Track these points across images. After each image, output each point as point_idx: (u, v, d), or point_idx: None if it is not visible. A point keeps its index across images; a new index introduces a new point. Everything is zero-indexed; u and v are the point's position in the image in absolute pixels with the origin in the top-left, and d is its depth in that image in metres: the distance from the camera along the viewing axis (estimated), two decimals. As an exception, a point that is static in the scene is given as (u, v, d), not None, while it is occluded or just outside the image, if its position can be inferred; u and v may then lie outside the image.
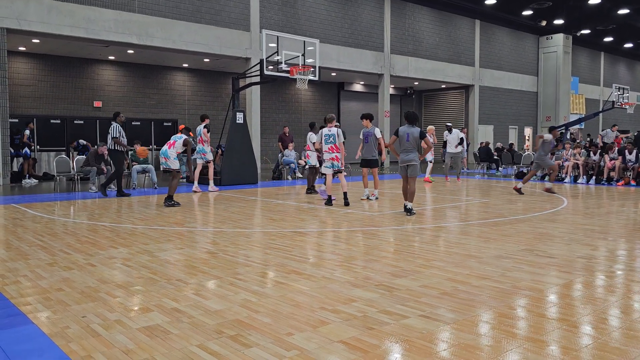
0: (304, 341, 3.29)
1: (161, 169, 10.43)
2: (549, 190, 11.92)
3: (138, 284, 4.63)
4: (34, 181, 15.09)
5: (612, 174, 14.93)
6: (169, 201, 9.92)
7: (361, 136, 10.71)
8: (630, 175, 14.76)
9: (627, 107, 24.58)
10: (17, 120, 16.04)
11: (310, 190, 12.07)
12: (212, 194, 12.31)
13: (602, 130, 22.34)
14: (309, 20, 20.74)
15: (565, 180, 15.66)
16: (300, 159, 17.47)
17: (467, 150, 22.21)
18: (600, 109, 31.45)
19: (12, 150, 15.12)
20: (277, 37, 14.14)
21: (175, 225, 7.85)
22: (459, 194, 12.29)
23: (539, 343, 3.26)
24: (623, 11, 26.44)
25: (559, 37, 30.70)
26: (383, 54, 23.36)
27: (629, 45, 35.53)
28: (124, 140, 11.63)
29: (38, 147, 17.08)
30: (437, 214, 9.16)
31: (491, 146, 21.99)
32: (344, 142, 10.14)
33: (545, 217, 8.49)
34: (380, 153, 10.86)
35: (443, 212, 9.37)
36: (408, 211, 8.72)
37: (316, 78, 14.73)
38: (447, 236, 6.96)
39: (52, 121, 17.57)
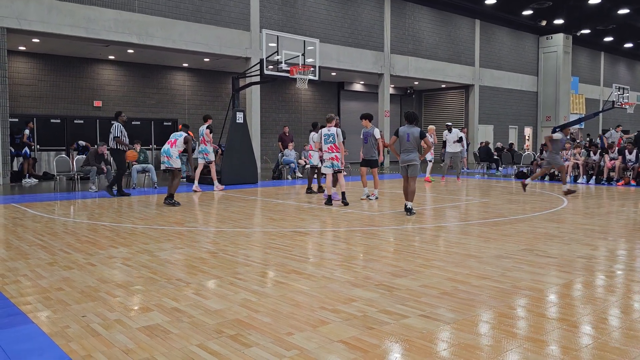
0: (304, 341, 3.29)
1: (162, 168, 10.37)
2: (568, 192, 11.64)
3: (138, 283, 4.63)
4: (34, 181, 15.09)
5: (612, 174, 14.93)
6: (170, 200, 9.93)
7: (361, 136, 10.72)
8: (630, 175, 14.76)
9: (627, 107, 24.58)
10: (17, 120, 16.04)
11: (310, 190, 12.07)
12: (218, 193, 12.32)
13: (607, 132, 22.31)
14: (309, 20, 20.74)
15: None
16: (301, 158, 17.47)
17: (467, 150, 22.21)
18: (600, 109, 31.45)
19: (13, 150, 15.12)
20: (277, 36, 14.14)
21: (175, 224, 7.85)
22: (459, 194, 12.29)
23: (539, 343, 3.26)
24: (623, 11, 26.44)
25: (559, 37, 30.70)
26: (383, 53, 23.36)
27: (629, 45, 35.53)
28: (126, 140, 11.62)
29: (38, 146, 17.08)
30: (437, 214, 9.16)
31: (491, 146, 21.99)
32: (343, 141, 10.14)
33: (545, 217, 8.49)
34: (379, 153, 10.85)
35: (443, 212, 9.37)
36: (408, 211, 8.72)
37: (316, 78, 14.73)
38: (447, 236, 6.96)
39: (52, 121, 17.57)
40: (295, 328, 3.51)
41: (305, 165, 17.21)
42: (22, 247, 6.23)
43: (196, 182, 12.70)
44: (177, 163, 10.14)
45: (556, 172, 13.88)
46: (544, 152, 17.53)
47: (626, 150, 14.98)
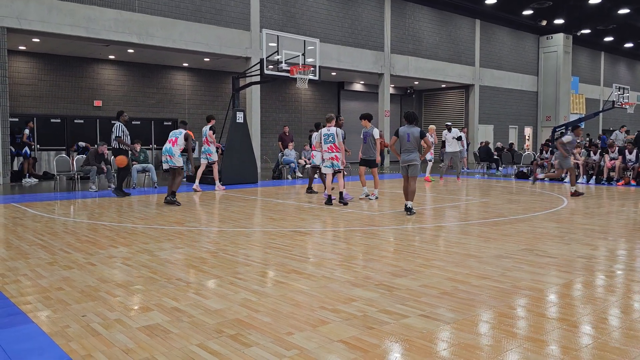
0: (304, 340, 3.29)
1: (165, 167, 10.32)
2: (576, 194, 11.48)
3: (138, 283, 4.63)
4: (34, 180, 15.09)
5: (612, 173, 14.93)
6: (172, 197, 9.97)
7: (361, 136, 10.74)
8: (630, 175, 14.77)
9: (627, 107, 24.56)
10: (17, 120, 16.04)
11: (311, 189, 12.08)
12: (219, 192, 12.32)
13: (612, 134, 22.25)
14: (309, 20, 20.74)
15: (565, 180, 15.65)
16: (301, 158, 17.47)
17: (467, 150, 22.20)
18: (601, 109, 31.45)
19: (13, 149, 15.13)
20: (277, 36, 14.14)
21: (176, 224, 7.86)
22: (459, 194, 12.29)
23: (539, 343, 3.26)
24: (623, 11, 26.43)
25: (559, 37, 30.70)
26: (383, 53, 23.36)
27: (629, 45, 35.52)
28: (128, 140, 11.61)
29: (38, 146, 17.08)
30: (437, 214, 9.16)
31: (491, 146, 21.99)
32: (343, 141, 10.15)
33: (545, 217, 8.49)
34: (381, 153, 10.87)
35: (443, 212, 9.37)
36: (408, 210, 8.73)
37: (316, 77, 14.74)
38: (447, 236, 6.96)
39: (52, 120, 17.57)
40: (295, 328, 3.51)
41: (305, 164, 17.23)
42: (22, 246, 6.23)
43: (197, 181, 12.71)
44: (179, 162, 10.19)
45: (561, 175, 13.80)
46: (544, 152, 17.56)
47: (626, 150, 14.98)
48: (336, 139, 9.94)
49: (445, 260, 5.47)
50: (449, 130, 16.19)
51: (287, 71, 13.89)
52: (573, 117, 29.94)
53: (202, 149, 12.82)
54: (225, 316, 3.74)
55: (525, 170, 17.38)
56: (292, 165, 17.02)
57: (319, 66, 14.72)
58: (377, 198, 10.78)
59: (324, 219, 8.47)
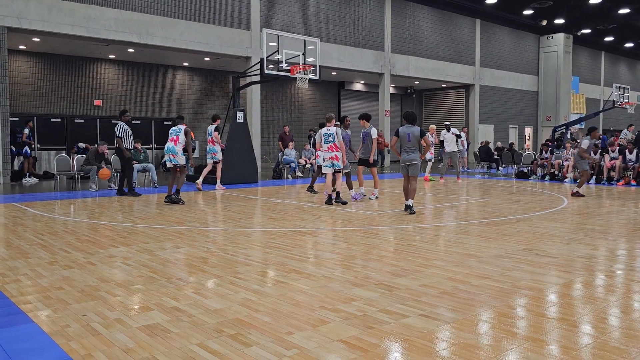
0: (304, 340, 3.29)
1: (168, 165, 10.45)
2: (577, 194, 11.41)
3: (138, 282, 4.64)
4: (34, 180, 15.09)
5: (612, 173, 14.92)
6: (177, 195, 10.05)
7: (361, 136, 10.77)
8: (630, 175, 14.76)
9: (627, 106, 24.54)
10: (17, 119, 16.04)
11: (311, 188, 12.09)
12: (219, 192, 12.33)
13: (621, 133, 22.20)
14: (310, 19, 20.73)
15: (565, 180, 15.65)
16: (301, 157, 17.48)
17: (467, 150, 22.20)
18: (601, 109, 31.44)
19: (14, 149, 15.13)
20: (278, 36, 14.14)
21: (176, 224, 7.86)
22: (459, 194, 12.29)
23: (539, 342, 3.26)
24: (624, 11, 26.42)
25: (560, 37, 30.69)
26: (383, 53, 23.35)
27: (629, 44, 35.51)
28: (130, 139, 11.58)
29: (38, 145, 17.08)
30: (437, 213, 9.16)
31: (491, 146, 21.99)
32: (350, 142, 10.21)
33: (545, 217, 8.49)
34: (380, 152, 10.88)
35: (443, 212, 9.37)
36: (409, 208, 8.75)
37: (316, 77, 14.73)
38: (447, 235, 6.96)
39: (52, 120, 17.57)
40: (295, 327, 3.51)
41: (305, 164, 17.24)
42: (22, 246, 6.23)
43: (201, 178, 12.83)
44: (182, 160, 10.28)
45: (563, 172, 13.69)
46: (544, 152, 17.56)
47: (626, 150, 14.98)
48: (336, 139, 9.95)
49: (445, 260, 5.48)
50: (448, 130, 16.19)
51: (288, 71, 13.89)
52: (573, 117, 29.93)
53: (207, 149, 12.90)
54: (226, 316, 3.74)
55: (525, 170, 17.38)
56: (293, 164, 17.03)
57: (319, 66, 14.72)
58: (377, 198, 10.78)
59: (324, 218, 8.48)
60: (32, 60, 18.05)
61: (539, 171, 16.98)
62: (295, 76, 13.91)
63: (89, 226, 7.66)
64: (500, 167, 20.27)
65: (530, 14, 27.82)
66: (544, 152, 17.62)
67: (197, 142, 20.26)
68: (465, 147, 21.61)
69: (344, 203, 9.93)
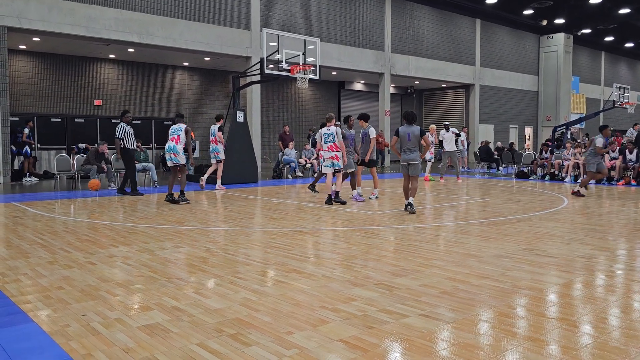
0: (304, 340, 3.29)
1: (169, 164, 10.48)
2: (577, 194, 11.41)
3: (138, 282, 4.64)
4: (34, 179, 15.09)
5: (612, 173, 14.92)
6: (182, 196, 10.12)
7: (360, 136, 10.78)
8: (630, 175, 14.76)
9: (627, 106, 24.54)
10: (17, 119, 16.04)
11: (313, 187, 12.13)
12: (219, 192, 12.34)
13: (627, 131, 22.14)
14: (310, 19, 20.73)
15: (565, 180, 15.65)
16: (301, 157, 17.48)
17: (467, 150, 22.20)
18: (601, 109, 31.43)
19: (14, 149, 15.13)
20: (278, 35, 14.13)
21: (176, 223, 7.86)
22: (459, 193, 12.29)
23: (539, 342, 3.26)
24: (624, 11, 26.41)
25: (560, 37, 30.68)
26: (384, 53, 23.35)
27: (629, 44, 35.50)
28: (132, 139, 11.56)
29: (39, 145, 17.09)
30: (437, 213, 9.16)
31: (491, 145, 21.99)
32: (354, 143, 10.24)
33: (545, 217, 8.49)
34: (380, 152, 10.90)
35: (443, 211, 9.37)
36: (409, 205, 8.76)
37: (317, 77, 14.73)
38: (447, 235, 6.96)
39: (52, 120, 17.57)
40: (295, 327, 3.51)
41: (306, 164, 17.25)
42: (22, 245, 6.23)
43: (206, 176, 12.92)
44: (183, 159, 10.31)
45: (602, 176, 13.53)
46: (544, 152, 17.55)
47: (627, 150, 14.97)
48: (336, 138, 9.95)
49: (445, 259, 5.48)
50: (447, 129, 16.19)
51: (288, 70, 13.89)
52: (573, 117, 29.93)
53: (210, 148, 12.95)
54: (226, 315, 3.75)
55: (525, 170, 17.37)
56: (293, 164, 17.03)
57: (320, 65, 14.72)
58: (377, 198, 10.79)
59: (324, 218, 8.48)
60: (32, 60, 18.05)
61: (539, 171, 16.98)
62: (295, 76, 13.91)
63: (89, 226, 7.66)
64: (500, 167, 20.27)
65: (530, 14, 27.82)
66: (544, 152, 17.62)
67: (197, 142, 20.26)
68: (466, 147, 21.62)
69: (343, 203, 9.94)
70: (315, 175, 12.78)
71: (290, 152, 17.22)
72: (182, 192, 10.22)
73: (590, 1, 25.31)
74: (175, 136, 10.25)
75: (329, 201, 10.01)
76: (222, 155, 12.83)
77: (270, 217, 8.48)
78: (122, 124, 11.51)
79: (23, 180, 14.86)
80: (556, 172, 16.33)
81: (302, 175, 17.19)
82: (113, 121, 17.84)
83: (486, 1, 25.25)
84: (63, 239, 6.66)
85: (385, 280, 4.65)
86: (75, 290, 4.40)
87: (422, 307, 3.92)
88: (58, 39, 15.69)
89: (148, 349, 3.16)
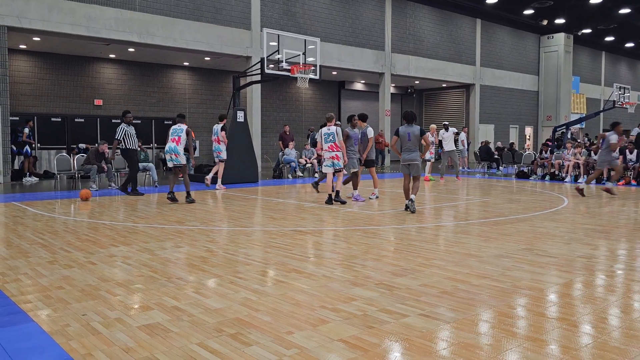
0: (304, 340, 3.29)
1: (170, 165, 10.49)
2: (580, 191, 11.34)
3: (138, 282, 4.64)
4: (34, 179, 15.10)
5: (612, 173, 14.89)
6: (188, 197, 10.20)
7: (359, 136, 10.79)
8: (631, 175, 14.76)
9: (628, 106, 24.54)
10: (17, 119, 16.05)
11: (317, 185, 12.16)
12: (219, 192, 12.35)
13: (632, 130, 22.10)
14: (310, 19, 20.73)
15: (565, 180, 15.65)
16: (301, 157, 17.48)
17: (467, 150, 22.20)
18: (601, 109, 31.42)
19: (14, 148, 15.13)
20: (278, 35, 14.13)
21: (176, 223, 7.86)
22: (459, 193, 12.29)
23: (539, 342, 3.26)
24: (624, 11, 26.41)
25: (560, 37, 30.67)
26: (384, 52, 23.35)
27: (630, 44, 35.49)
28: (132, 140, 11.54)
29: (39, 145, 17.09)
30: (437, 213, 9.17)
31: (491, 145, 21.98)
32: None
33: (545, 217, 8.49)
34: (380, 152, 10.90)
35: (443, 211, 9.37)
36: (411, 201, 8.77)
37: (317, 77, 14.73)
38: (447, 235, 6.96)
39: (52, 119, 17.58)
40: (296, 327, 3.51)
41: (306, 164, 17.25)
42: (22, 245, 6.24)
43: (211, 174, 12.98)
44: (184, 159, 10.34)
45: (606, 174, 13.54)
46: (544, 152, 17.55)
47: (627, 150, 14.97)
48: (336, 138, 9.96)
49: (445, 259, 5.48)
50: (446, 129, 16.19)
51: (288, 70, 13.89)
52: (574, 117, 29.93)
53: (213, 147, 12.99)
54: (226, 315, 3.75)
55: (525, 170, 17.37)
56: (293, 164, 17.03)
57: (320, 65, 14.71)
58: (377, 197, 10.79)
59: (324, 218, 8.48)
60: (32, 59, 18.06)
61: (539, 171, 16.98)
62: (295, 76, 13.91)
63: (89, 225, 7.66)
64: (500, 167, 20.27)
65: (530, 14, 27.81)
66: (544, 152, 17.62)
67: (197, 142, 20.25)
68: (466, 147, 21.62)
69: (343, 202, 9.94)
70: (317, 175, 12.80)
71: (291, 152, 17.22)
72: (188, 193, 10.26)
73: (590, 1, 25.31)
74: (176, 137, 10.26)
75: (329, 201, 10.01)
76: (223, 155, 12.86)
77: (271, 217, 8.48)
78: (123, 125, 11.51)
79: (23, 180, 14.86)
80: (556, 172, 16.33)
81: (302, 175, 17.18)
82: (113, 121, 17.85)
83: (486, 1, 25.25)
84: (63, 238, 6.66)
85: (385, 280, 4.65)
86: (75, 290, 4.40)
87: (422, 306, 3.92)
88: (58, 38, 15.70)
89: (148, 349, 3.16)
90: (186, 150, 10.41)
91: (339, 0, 21.68)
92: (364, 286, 4.47)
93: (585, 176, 15.33)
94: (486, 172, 19.74)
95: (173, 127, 10.50)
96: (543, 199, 11.11)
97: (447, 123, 17.04)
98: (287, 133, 18.02)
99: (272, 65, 14.05)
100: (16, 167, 15.62)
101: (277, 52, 13.86)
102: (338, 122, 11.27)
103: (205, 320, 3.65)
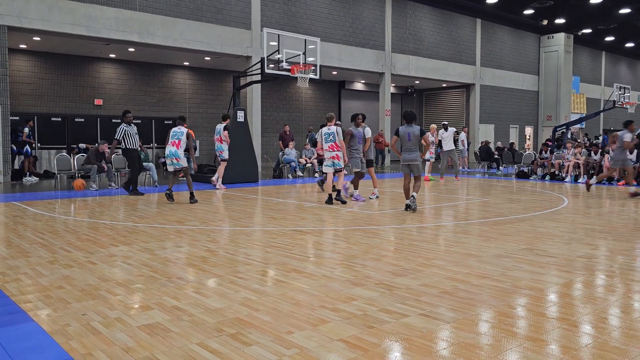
0: (304, 339, 3.29)
1: (170, 169, 10.49)
2: (635, 194, 11.23)
3: (138, 282, 4.64)
4: (34, 179, 15.09)
5: (613, 173, 14.89)
6: (192, 198, 10.21)
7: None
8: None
9: (628, 106, 24.53)
10: (17, 118, 16.05)
11: (322, 183, 12.19)
12: (220, 192, 12.35)
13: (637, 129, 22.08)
14: (310, 19, 20.73)
15: (566, 180, 15.65)
16: (301, 157, 17.48)
17: (467, 150, 22.20)
18: (601, 109, 31.42)
19: (14, 148, 15.13)
20: (278, 35, 14.12)
21: (176, 223, 7.86)
22: (459, 193, 12.29)
23: (539, 342, 3.26)
24: (624, 10, 26.40)
25: (560, 37, 30.67)
26: (384, 52, 23.35)
27: (630, 44, 35.48)
28: (132, 140, 11.53)
29: (39, 145, 17.09)
30: (437, 213, 9.17)
31: (492, 145, 21.98)
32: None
33: (545, 216, 8.49)
34: (381, 152, 10.90)
35: (443, 211, 9.37)
36: (412, 198, 8.78)
37: (317, 77, 14.73)
38: (447, 235, 6.96)
39: (53, 119, 17.57)
40: (296, 327, 3.51)
41: (306, 164, 17.25)
42: (22, 245, 6.24)
43: (216, 175, 13.02)
44: (185, 162, 10.35)
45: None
46: (544, 152, 17.55)
47: (627, 150, 14.94)
48: (337, 138, 9.96)
49: (445, 259, 5.48)
50: (446, 129, 16.19)
51: (288, 70, 13.88)
52: (574, 117, 29.92)
53: (215, 147, 13.06)
54: (226, 315, 3.75)
55: (525, 169, 17.37)
56: (293, 164, 17.04)
57: (320, 65, 14.71)
58: (377, 197, 10.79)
59: (324, 218, 8.48)
60: (32, 59, 18.06)
61: (539, 171, 16.98)
62: (295, 75, 13.91)
63: (90, 225, 7.66)
64: (500, 167, 20.27)
65: (530, 14, 27.81)
66: (544, 152, 17.62)
67: (197, 142, 20.25)
68: (466, 146, 21.61)
69: (344, 202, 9.94)
70: (317, 174, 12.81)
71: (291, 152, 17.22)
72: (192, 194, 10.26)
73: (590, 1, 25.31)
74: (176, 140, 10.23)
75: (329, 201, 10.01)
76: (225, 155, 12.88)
77: (271, 217, 8.48)
78: (123, 125, 11.50)
79: (23, 180, 14.86)
80: (556, 172, 16.32)
81: (302, 174, 17.19)
82: (113, 121, 17.84)
83: (487, 1, 25.25)
84: (63, 238, 6.66)
85: (385, 280, 4.65)
86: (75, 289, 4.40)
87: (422, 306, 3.92)
88: (58, 38, 15.69)
89: (148, 349, 3.16)
90: (187, 150, 10.41)
91: (339, 0, 21.68)
92: (364, 286, 4.47)
93: (585, 176, 15.33)
94: (486, 172, 19.74)
95: (173, 129, 10.46)
96: (543, 199, 11.11)
97: (446, 123, 17.05)
98: (287, 133, 18.02)
99: (272, 65, 14.04)
100: (16, 166, 15.62)
101: (277, 52, 13.85)
102: (338, 122, 11.26)
103: (206, 320, 3.65)
